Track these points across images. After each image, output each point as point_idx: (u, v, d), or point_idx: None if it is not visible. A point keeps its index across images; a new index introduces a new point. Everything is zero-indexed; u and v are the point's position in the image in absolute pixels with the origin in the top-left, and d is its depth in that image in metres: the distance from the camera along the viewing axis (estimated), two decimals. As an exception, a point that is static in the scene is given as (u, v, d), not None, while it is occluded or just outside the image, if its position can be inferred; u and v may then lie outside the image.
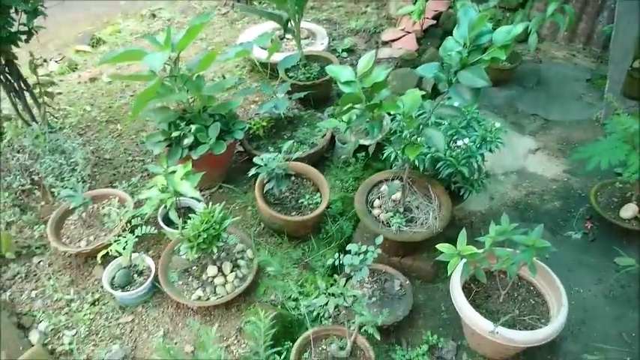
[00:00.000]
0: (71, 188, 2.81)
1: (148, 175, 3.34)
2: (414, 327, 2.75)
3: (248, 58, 4.32)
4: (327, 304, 2.21)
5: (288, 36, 3.87)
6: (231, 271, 2.59)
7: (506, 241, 2.33)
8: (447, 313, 2.80)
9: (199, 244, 2.37)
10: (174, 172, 2.70)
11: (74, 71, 4.54)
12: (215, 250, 2.43)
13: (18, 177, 3.04)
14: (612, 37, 3.72)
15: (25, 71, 3.31)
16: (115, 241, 2.58)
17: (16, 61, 3.21)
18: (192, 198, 2.80)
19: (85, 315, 2.58)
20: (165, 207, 2.75)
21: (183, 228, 2.44)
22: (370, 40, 4.86)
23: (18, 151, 3.13)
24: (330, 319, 2.54)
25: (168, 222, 2.81)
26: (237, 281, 2.58)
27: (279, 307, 2.59)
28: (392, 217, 2.73)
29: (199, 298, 2.52)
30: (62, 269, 2.79)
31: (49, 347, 2.45)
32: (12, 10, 3.00)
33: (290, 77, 3.77)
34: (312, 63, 3.89)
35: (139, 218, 2.77)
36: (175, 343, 2.47)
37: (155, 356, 2.38)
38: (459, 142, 2.85)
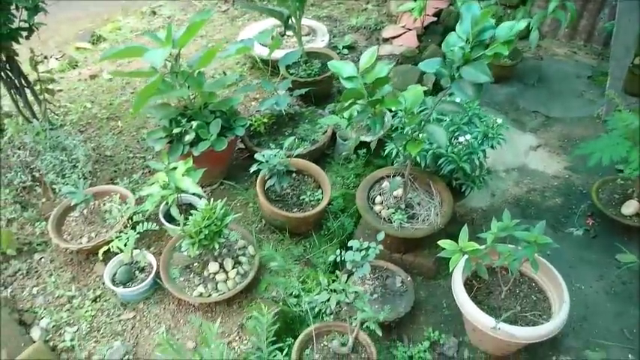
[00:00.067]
0: (72, 185, 2.81)
1: (149, 171, 3.34)
2: (416, 323, 2.75)
3: (249, 55, 4.31)
4: (328, 300, 2.21)
5: (289, 33, 3.86)
6: (233, 268, 2.59)
7: (507, 237, 2.33)
8: (449, 310, 2.80)
9: (201, 240, 2.37)
10: (175, 168, 2.70)
11: (74, 68, 4.53)
12: (216, 246, 2.43)
13: (19, 174, 3.04)
14: (613, 33, 3.72)
15: (25, 68, 3.30)
16: (117, 238, 2.58)
17: (16, 57, 3.21)
18: (193, 194, 2.80)
19: (86, 312, 2.58)
20: (167, 203, 2.75)
21: (184, 224, 2.44)
22: (371, 37, 4.85)
23: (19, 148, 3.13)
24: (332, 316, 2.53)
25: (170, 219, 2.81)
26: (239, 278, 2.58)
27: (280, 303, 2.59)
28: (393, 213, 2.73)
29: (201, 294, 2.52)
30: (63, 266, 2.79)
31: (51, 344, 2.44)
32: (12, 7, 2.99)
33: (291, 74, 3.76)
34: (312, 60, 3.88)
35: (141, 215, 2.77)
36: (177, 340, 2.47)
37: (157, 351, 2.38)
38: (461, 139, 2.85)
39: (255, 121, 3.38)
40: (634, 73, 4.10)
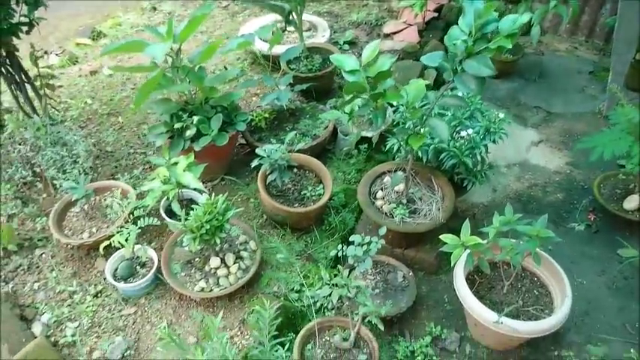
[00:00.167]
0: (73, 180, 2.80)
1: (150, 167, 3.33)
2: (417, 318, 2.75)
3: (249, 50, 4.31)
4: (330, 294, 2.20)
5: (290, 28, 3.86)
6: (234, 263, 2.58)
7: (509, 232, 2.32)
8: (450, 305, 2.79)
9: (202, 235, 2.37)
10: (176, 163, 2.70)
11: (75, 64, 4.53)
12: (218, 241, 2.43)
13: (19, 169, 3.03)
14: (615, 28, 3.71)
15: (26, 64, 3.30)
16: (118, 233, 2.58)
17: (17, 53, 3.20)
18: (194, 189, 2.80)
19: (87, 307, 2.57)
20: (168, 199, 2.74)
21: (185, 219, 2.44)
22: (372, 32, 4.85)
23: (19, 144, 3.12)
24: (334, 311, 2.53)
25: (171, 214, 2.81)
26: (240, 273, 2.58)
27: (282, 298, 2.59)
28: (395, 208, 2.72)
29: (202, 289, 2.51)
30: (64, 261, 2.78)
31: (52, 339, 2.44)
32: (13, 2, 2.98)
33: (292, 69, 3.75)
34: (313, 55, 3.87)
35: (142, 210, 2.77)
36: (179, 335, 2.47)
37: (159, 346, 2.38)
38: (463, 133, 2.84)
39: (256, 117, 3.37)
40: (636, 68, 4.09)
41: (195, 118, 2.89)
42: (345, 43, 4.59)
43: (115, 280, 2.59)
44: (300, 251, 2.88)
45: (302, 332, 2.33)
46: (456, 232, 2.30)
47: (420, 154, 2.86)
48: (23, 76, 3.28)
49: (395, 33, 4.69)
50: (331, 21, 4.96)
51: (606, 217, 3.21)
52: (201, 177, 2.71)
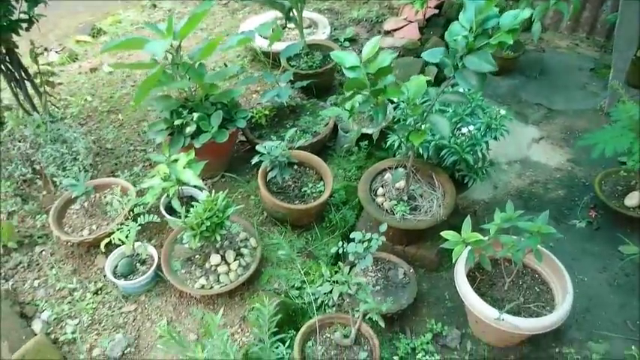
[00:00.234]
0: (73, 177, 2.80)
1: (150, 164, 3.33)
2: (418, 315, 2.74)
3: (250, 47, 4.30)
4: (331, 291, 2.20)
5: (290, 25, 3.85)
6: (235, 260, 2.58)
7: (510, 228, 2.32)
8: (451, 302, 2.79)
9: (202, 232, 2.36)
10: (176, 160, 2.69)
11: (75, 61, 4.52)
12: (218, 238, 2.42)
13: (19, 166, 3.03)
14: (617, 25, 3.70)
15: (26, 61, 3.28)
16: (118, 230, 2.57)
17: (16, 50, 3.19)
18: (194, 186, 2.79)
19: (87, 304, 2.57)
20: (168, 196, 2.73)
21: (185, 216, 2.43)
22: (372, 29, 4.83)
23: (19, 141, 3.12)
24: (334, 308, 2.53)
25: (171, 211, 2.80)
26: (241, 270, 2.57)
27: (282, 295, 2.58)
28: (396, 205, 2.72)
29: (202, 286, 2.51)
30: (64, 258, 2.78)
31: (52, 336, 2.44)
32: (12, -2, 2.98)
33: (292, 66, 3.74)
34: (314, 52, 3.86)
35: (142, 207, 2.76)
36: (179, 332, 2.46)
37: (160, 343, 2.37)
38: (464, 130, 2.83)
39: (257, 114, 3.36)
40: (637, 65, 4.07)
41: (196, 115, 2.88)
42: (345, 40, 4.58)
43: (115, 277, 2.58)
44: (300, 248, 2.87)
45: (302, 329, 2.32)
46: (457, 229, 2.29)
47: (420, 150, 2.85)
48: (23, 73, 3.27)
49: (395, 30, 4.68)
50: (332, 18, 4.95)
51: (607, 213, 3.21)
52: (201, 174, 2.70)
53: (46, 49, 3.49)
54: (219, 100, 3.03)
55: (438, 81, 3.86)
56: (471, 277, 2.53)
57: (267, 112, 3.39)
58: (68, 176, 2.86)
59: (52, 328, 2.48)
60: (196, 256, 2.61)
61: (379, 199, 2.80)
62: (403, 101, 2.37)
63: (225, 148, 3.14)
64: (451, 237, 2.28)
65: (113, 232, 2.58)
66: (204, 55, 2.91)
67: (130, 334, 2.47)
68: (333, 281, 2.22)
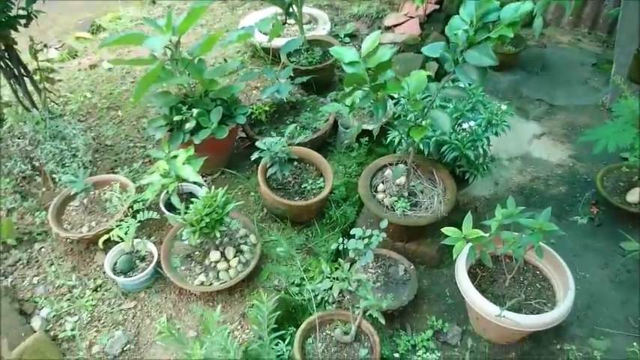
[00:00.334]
0: (72, 174, 2.78)
1: (150, 161, 3.32)
2: (419, 312, 2.73)
3: (250, 43, 4.28)
4: (331, 288, 2.19)
5: (290, 21, 3.82)
6: (234, 257, 2.57)
7: (511, 225, 2.30)
8: (452, 298, 2.78)
9: (202, 228, 2.35)
10: (176, 156, 2.67)
11: (74, 58, 4.50)
12: (218, 234, 2.41)
13: (19, 163, 3.02)
14: (619, 20, 3.67)
15: (25, 58, 3.27)
16: (117, 227, 2.56)
17: (15, 46, 3.17)
18: (194, 183, 2.78)
19: (87, 301, 2.56)
20: (168, 192, 2.72)
21: (185, 213, 2.42)
22: (373, 25, 4.81)
23: (18, 137, 3.10)
24: (334, 304, 2.52)
25: (170, 208, 2.79)
26: (241, 266, 2.56)
27: (282, 292, 2.57)
28: (396, 201, 2.70)
29: (202, 283, 2.50)
30: (64, 255, 2.77)
31: (51, 333, 2.43)
32: (10, -6, 2.96)
33: (292, 62, 3.72)
34: (314, 48, 3.84)
35: (141, 204, 2.74)
36: (178, 329, 2.45)
37: (159, 339, 2.37)
38: (465, 125, 2.82)
39: (257, 110, 3.35)
40: (639, 60, 4.04)
41: (195, 111, 2.87)
42: (345, 35, 4.56)
43: (114, 274, 2.57)
44: (300, 245, 2.86)
45: (303, 326, 2.31)
46: (458, 226, 2.28)
47: (421, 146, 2.84)
48: (22, 69, 3.26)
49: (396, 25, 4.66)
50: (332, 13, 4.93)
51: (609, 210, 3.19)
52: (201, 170, 2.68)
53: (45, 46, 3.46)
54: (218, 96, 3.02)
55: (439, 77, 3.83)
56: (472, 274, 2.52)
57: (267, 109, 3.37)
58: (67, 173, 2.85)
59: (51, 325, 2.47)
60: (196, 253, 2.60)
61: (379, 196, 2.78)
62: (403, 97, 2.36)
63: (225, 145, 3.13)
64: (452, 233, 2.27)
65: (112, 229, 2.57)
66: (204, 51, 2.90)
67: (130, 330, 2.46)
68: (333, 278, 2.21)
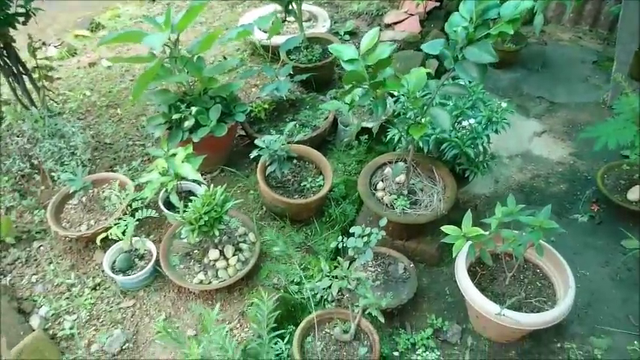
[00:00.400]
0: (71, 172, 2.77)
1: (149, 159, 3.31)
2: (419, 310, 2.72)
3: (249, 41, 4.26)
4: (330, 287, 2.18)
5: (290, 18, 3.81)
6: (234, 255, 2.56)
7: (511, 223, 2.29)
8: (452, 297, 2.77)
9: (201, 226, 2.34)
10: (174, 155, 2.67)
11: (73, 56, 4.49)
12: (217, 233, 2.40)
13: (17, 161, 3.00)
14: (620, 17, 3.66)
15: (24, 56, 3.26)
16: (115, 225, 2.55)
17: (14, 44, 3.16)
18: (193, 181, 2.77)
19: (86, 300, 2.55)
20: (167, 191, 2.71)
21: (184, 211, 2.41)
22: (372, 22, 4.79)
23: (17, 136, 3.09)
24: (334, 303, 2.51)
25: (169, 206, 2.78)
26: (240, 265, 2.55)
27: (281, 290, 2.56)
28: (396, 199, 2.69)
29: (201, 281, 2.49)
30: (63, 254, 2.76)
31: (50, 332, 2.43)
32: (9, -8, 2.95)
33: (292, 60, 3.71)
34: (313, 45, 3.83)
35: (140, 202, 2.74)
36: (177, 328, 2.45)
37: (158, 338, 2.36)
38: (464, 123, 2.81)
39: (256, 107, 3.34)
40: (640, 57, 4.04)
41: (194, 109, 2.86)
42: (345, 33, 4.54)
43: (113, 272, 2.56)
44: (300, 243, 2.85)
45: (302, 325, 2.30)
46: (458, 224, 2.27)
47: (421, 144, 2.83)
48: (21, 67, 3.25)
49: (396, 23, 4.64)
50: (332, 11, 4.91)
51: (610, 208, 3.18)
52: (200, 168, 2.68)
53: (44, 44, 3.46)
54: (218, 94, 3.01)
55: (439, 74, 3.80)
56: (472, 272, 2.51)
57: (266, 106, 3.36)
58: (66, 171, 2.84)
59: (49, 323, 2.46)
60: (195, 251, 2.60)
61: (379, 194, 2.77)
62: (403, 94, 2.34)
63: (224, 143, 3.12)
64: (451, 231, 2.26)
65: (111, 228, 2.56)
66: (203, 49, 2.88)
67: (129, 329, 2.45)
68: (333, 276, 2.20)
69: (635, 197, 3.05)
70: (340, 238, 2.21)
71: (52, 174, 2.98)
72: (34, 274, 2.67)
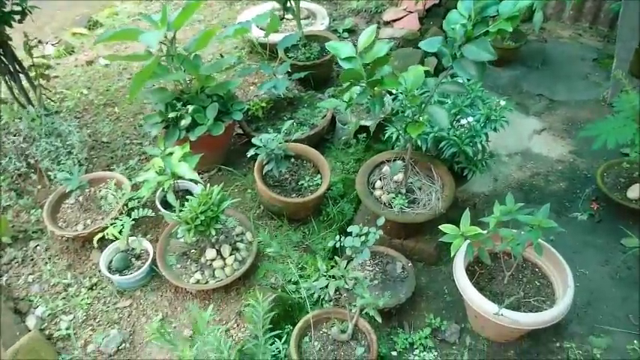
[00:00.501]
0: (67, 171, 2.76)
1: (146, 158, 3.29)
2: (417, 310, 2.71)
3: (247, 39, 4.24)
4: (327, 286, 2.16)
5: (288, 16, 3.79)
6: (230, 254, 2.54)
7: (510, 222, 2.28)
8: (450, 296, 2.75)
9: (197, 226, 2.33)
10: (171, 153, 2.65)
11: (71, 54, 4.47)
12: (213, 232, 2.38)
13: (14, 160, 2.99)
14: (620, 14, 3.63)
15: (21, 54, 3.24)
16: (111, 225, 2.54)
17: (10, 43, 3.14)
18: (190, 180, 2.75)
19: (82, 300, 2.54)
20: (163, 190, 2.70)
21: (180, 210, 2.39)
22: (371, 20, 4.77)
23: (14, 135, 3.08)
24: (332, 302, 2.50)
25: (167, 205, 2.76)
26: (237, 264, 2.54)
27: (279, 290, 2.55)
28: (394, 198, 2.68)
29: (198, 281, 2.48)
30: (59, 254, 2.75)
31: (46, 332, 2.41)
32: (4, -10, 2.93)
33: (290, 57, 3.69)
34: (312, 43, 3.81)
35: (136, 201, 2.72)
36: (174, 327, 2.44)
37: (152, 339, 2.34)
38: (463, 121, 2.79)
39: (253, 106, 3.32)
40: (640, 54, 4.01)
41: (191, 108, 2.84)
42: (344, 30, 4.53)
43: (110, 272, 2.55)
44: (297, 242, 2.84)
45: (299, 324, 2.29)
46: (456, 223, 2.25)
47: (419, 142, 2.81)
48: (17, 66, 3.23)
49: (395, 20, 4.62)
50: (330, 8, 4.89)
51: (610, 206, 3.16)
52: (197, 167, 2.66)
53: (40, 42, 3.43)
54: (215, 92, 2.99)
55: (438, 72, 3.79)
56: (470, 271, 2.50)
57: (264, 105, 3.34)
58: (63, 170, 2.82)
59: (46, 324, 2.45)
60: (192, 251, 2.58)
61: (377, 192, 2.76)
62: (401, 92, 2.33)
63: (221, 141, 3.10)
64: (450, 230, 2.24)
65: (107, 227, 2.54)
66: (200, 46, 2.87)
67: (125, 329, 2.44)
68: (330, 276, 2.19)
69: (635, 195, 3.03)
70: (338, 237, 2.20)
71: (49, 173, 2.97)
72: (30, 274, 2.66)
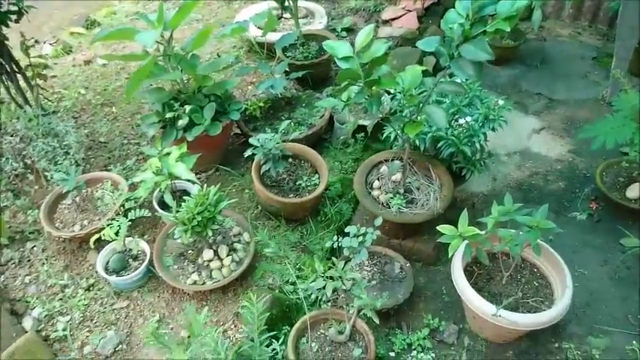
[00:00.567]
0: (64, 172, 2.75)
1: (144, 158, 3.27)
2: (415, 310, 2.70)
3: (245, 38, 4.23)
4: (325, 287, 2.15)
5: (286, 15, 3.78)
6: (228, 255, 2.53)
7: (509, 222, 2.27)
8: (449, 296, 2.74)
9: (194, 227, 2.32)
10: (168, 154, 2.64)
11: (69, 54, 4.45)
12: (210, 233, 2.37)
13: (11, 161, 2.98)
14: (619, 13, 3.62)
15: (18, 54, 3.23)
16: (108, 225, 2.52)
17: (7, 42, 3.13)
18: (187, 180, 2.74)
19: (79, 301, 2.53)
20: (161, 190, 2.69)
21: (177, 211, 2.38)
22: (370, 19, 4.76)
23: (11, 135, 3.06)
24: (329, 303, 2.49)
25: (164, 206, 2.75)
26: (234, 265, 2.53)
27: (276, 290, 2.54)
28: (392, 198, 2.66)
29: (195, 282, 2.47)
30: (56, 254, 2.74)
31: (43, 333, 2.40)
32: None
33: (288, 57, 3.68)
34: (310, 42, 3.80)
35: (133, 202, 2.71)
36: (171, 329, 2.43)
37: (148, 342, 2.33)
38: (461, 121, 2.78)
39: (251, 105, 3.31)
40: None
41: (188, 108, 2.83)
42: (342, 29, 4.51)
43: (106, 273, 2.54)
44: (295, 242, 2.83)
45: (297, 325, 2.28)
46: (454, 223, 2.24)
47: (417, 142, 2.80)
48: (14, 66, 3.22)
49: (394, 19, 4.60)
50: (329, 7, 4.88)
51: (609, 205, 3.15)
52: (194, 167, 2.65)
53: (37, 42, 3.42)
54: (212, 92, 2.98)
55: (436, 71, 3.78)
56: (469, 272, 2.49)
57: (261, 104, 3.33)
58: (59, 170, 2.81)
59: (42, 325, 2.44)
60: (189, 252, 2.57)
61: (375, 192, 2.74)
62: (399, 92, 2.31)
63: (219, 141, 3.09)
64: (448, 231, 2.23)
65: (104, 228, 2.53)
66: (197, 46, 2.85)
67: (122, 330, 2.43)
68: (327, 277, 2.18)
69: (635, 195, 3.02)
70: (336, 237, 2.19)
71: (46, 173, 2.96)
72: (27, 275, 2.65)
